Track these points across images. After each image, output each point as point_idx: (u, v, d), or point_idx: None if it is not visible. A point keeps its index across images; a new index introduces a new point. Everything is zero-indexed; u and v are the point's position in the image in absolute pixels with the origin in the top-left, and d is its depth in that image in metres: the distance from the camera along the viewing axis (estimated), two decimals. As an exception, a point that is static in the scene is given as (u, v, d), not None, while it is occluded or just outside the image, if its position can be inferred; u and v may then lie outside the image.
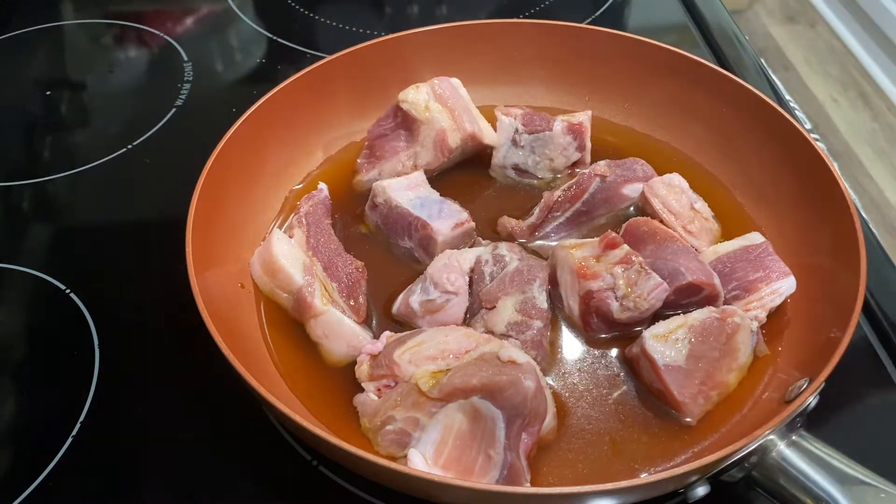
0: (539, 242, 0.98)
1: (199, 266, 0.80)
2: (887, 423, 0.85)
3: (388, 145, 1.05)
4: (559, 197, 0.98)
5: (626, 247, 0.86)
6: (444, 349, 0.77)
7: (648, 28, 1.50)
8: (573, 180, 0.99)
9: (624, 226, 0.93)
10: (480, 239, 0.96)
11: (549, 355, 0.85)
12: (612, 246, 0.86)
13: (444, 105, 1.03)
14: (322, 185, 0.99)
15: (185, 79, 1.34)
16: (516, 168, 1.06)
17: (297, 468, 0.81)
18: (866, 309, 0.95)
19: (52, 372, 0.90)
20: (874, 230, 1.06)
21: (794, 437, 0.69)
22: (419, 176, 1.00)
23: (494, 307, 0.85)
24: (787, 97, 1.33)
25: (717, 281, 0.85)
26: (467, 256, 0.89)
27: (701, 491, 0.69)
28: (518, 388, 0.71)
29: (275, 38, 1.44)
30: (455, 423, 0.73)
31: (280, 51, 1.41)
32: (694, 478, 0.68)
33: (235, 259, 0.92)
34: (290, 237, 0.91)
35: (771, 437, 0.68)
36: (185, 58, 1.39)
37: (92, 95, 1.34)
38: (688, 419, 0.79)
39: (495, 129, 1.05)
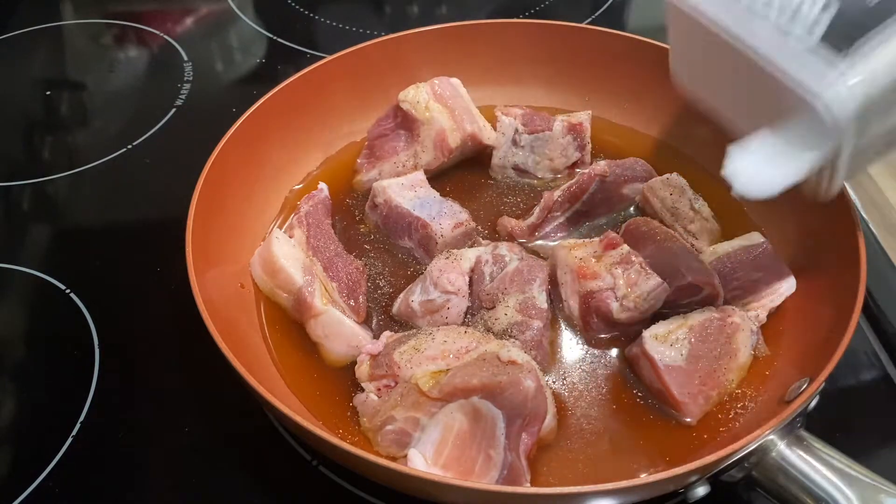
0: (539, 242, 0.98)
1: (199, 266, 0.80)
2: (887, 423, 0.85)
3: (388, 145, 1.05)
4: (559, 197, 0.98)
5: (626, 247, 0.86)
6: (444, 349, 0.77)
7: (648, 28, 1.49)
8: (573, 180, 0.99)
9: (624, 226, 0.93)
10: (480, 239, 0.96)
11: (548, 355, 0.85)
12: (612, 246, 0.86)
13: (444, 105, 1.03)
14: (322, 185, 0.99)
15: (185, 79, 1.34)
16: (516, 168, 1.06)
17: (297, 468, 0.81)
18: (866, 309, 0.95)
19: (52, 372, 0.90)
20: (874, 230, 1.06)
21: (794, 437, 0.69)
22: (419, 176, 1.00)
23: (494, 307, 0.85)
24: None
25: (717, 281, 0.85)
26: (467, 256, 0.89)
27: (701, 491, 0.69)
28: (518, 388, 0.71)
29: (275, 38, 1.44)
30: (455, 423, 0.73)
31: (280, 51, 1.41)
32: (694, 478, 0.68)
33: (235, 259, 0.92)
34: (291, 237, 0.92)
35: (771, 437, 0.68)
36: (185, 58, 1.39)
37: (92, 95, 1.34)
38: (688, 419, 0.79)
39: (495, 129, 1.05)
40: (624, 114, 1.14)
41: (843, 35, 0.58)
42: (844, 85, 0.58)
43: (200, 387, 0.88)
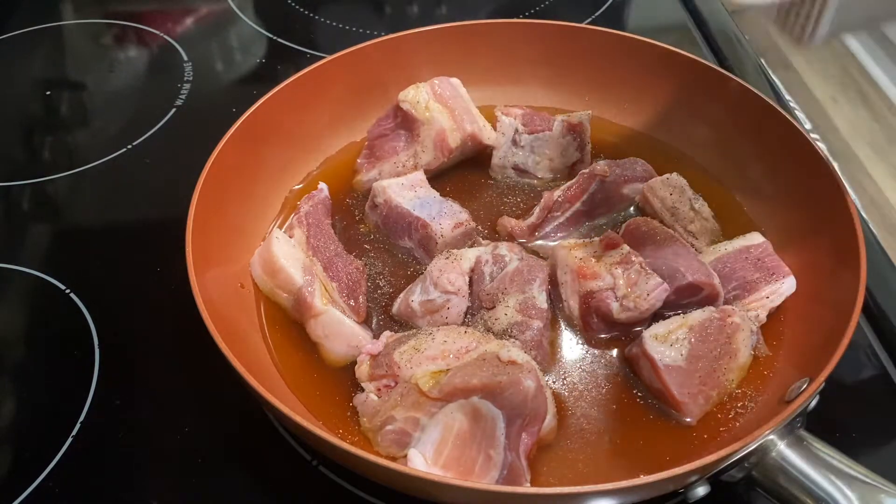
0: (539, 242, 0.98)
1: (199, 266, 0.80)
2: (887, 423, 0.85)
3: (388, 145, 1.05)
4: (559, 197, 0.98)
5: (626, 247, 0.86)
6: (444, 349, 0.77)
7: (648, 28, 1.50)
8: (573, 180, 0.99)
9: (624, 226, 0.93)
10: (480, 239, 0.96)
11: (548, 355, 0.85)
12: (612, 246, 0.86)
13: (444, 105, 1.03)
14: (322, 185, 0.99)
15: (185, 79, 1.34)
16: (516, 168, 1.06)
17: (297, 468, 0.81)
18: (866, 309, 0.95)
19: (52, 372, 0.90)
20: (874, 230, 1.06)
21: (794, 437, 0.69)
22: (419, 176, 1.00)
23: (494, 307, 0.85)
24: (787, 97, 1.33)
25: (716, 281, 0.85)
26: (467, 256, 0.89)
27: (701, 491, 0.69)
28: (519, 387, 0.71)
29: (275, 38, 1.44)
30: (455, 423, 0.73)
31: (280, 51, 1.41)
32: (694, 478, 0.68)
33: (235, 259, 0.92)
34: (291, 237, 0.92)
35: (771, 437, 0.68)
36: (185, 58, 1.39)
37: (92, 95, 1.34)
38: (688, 419, 0.79)
39: (495, 130, 1.05)
40: (624, 114, 1.14)
41: None
42: None
43: (200, 387, 0.88)
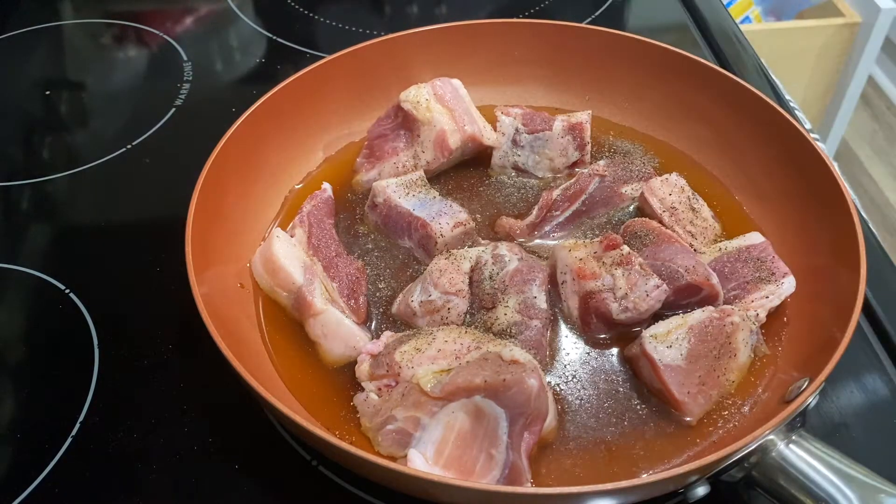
0: (538, 241, 0.98)
1: (198, 266, 0.80)
2: (887, 424, 0.85)
3: (388, 145, 1.05)
4: (558, 196, 0.98)
5: (626, 247, 0.86)
6: (445, 349, 0.77)
7: (648, 28, 1.50)
8: (573, 180, 0.99)
9: (624, 226, 0.93)
10: (480, 239, 0.96)
11: (548, 355, 0.85)
12: (611, 246, 0.86)
13: (445, 106, 1.03)
14: (326, 185, 0.99)
15: (185, 79, 1.34)
16: (516, 168, 1.06)
17: (297, 468, 0.81)
18: (866, 309, 0.95)
19: (52, 372, 0.90)
20: (874, 230, 1.06)
21: (793, 437, 0.69)
22: (419, 176, 1.00)
23: (494, 307, 0.85)
24: (787, 97, 1.33)
25: (715, 281, 0.85)
26: (467, 256, 0.89)
27: (701, 491, 0.69)
28: (522, 386, 0.71)
29: (275, 37, 1.44)
30: (457, 423, 0.73)
31: (280, 51, 1.41)
32: (694, 478, 0.68)
33: (235, 259, 0.92)
34: (292, 236, 0.92)
35: (771, 437, 0.68)
36: (185, 58, 1.39)
37: (92, 95, 1.34)
38: (688, 419, 0.79)
39: (495, 130, 1.05)
40: (624, 114, 1.14)
41: None
42: None
43: (200, 387, 0.88)
